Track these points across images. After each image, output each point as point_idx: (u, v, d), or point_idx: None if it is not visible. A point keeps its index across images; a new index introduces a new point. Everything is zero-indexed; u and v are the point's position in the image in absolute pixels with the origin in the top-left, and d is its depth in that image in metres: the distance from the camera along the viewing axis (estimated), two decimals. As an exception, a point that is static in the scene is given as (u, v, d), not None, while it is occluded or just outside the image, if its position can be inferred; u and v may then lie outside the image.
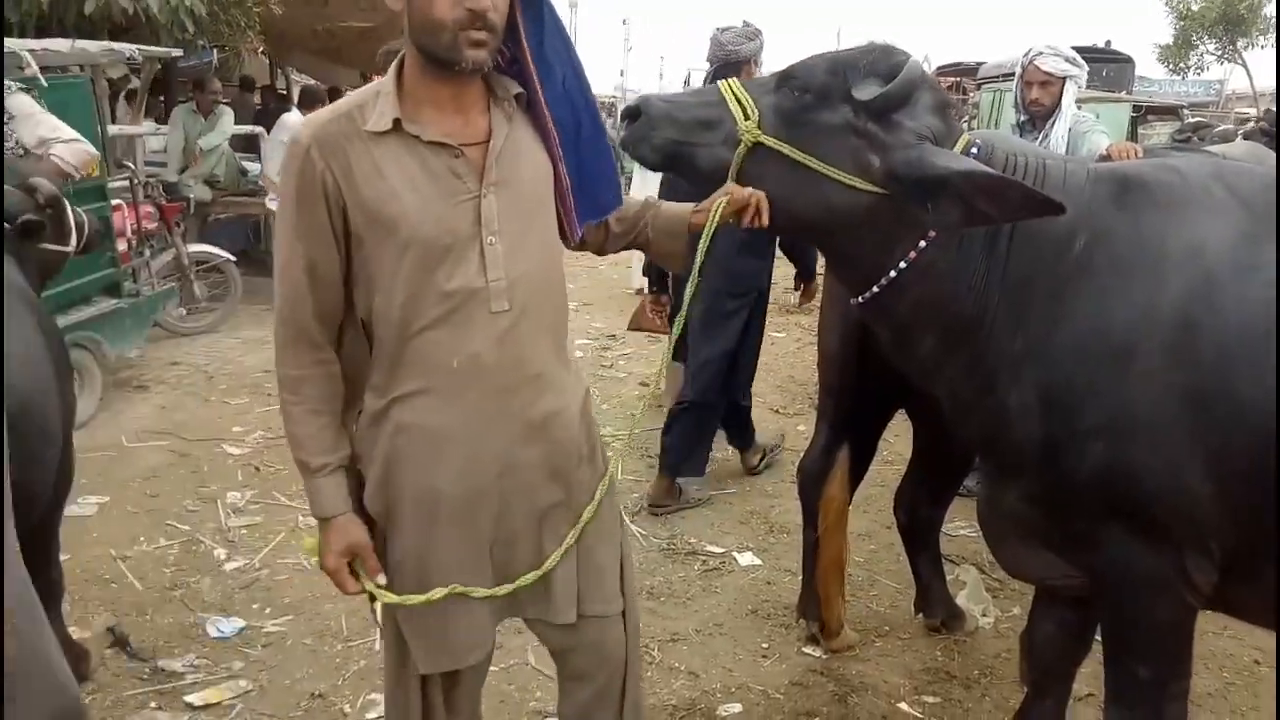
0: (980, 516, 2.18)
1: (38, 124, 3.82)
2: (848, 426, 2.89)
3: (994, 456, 2.03)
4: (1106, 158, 3.11)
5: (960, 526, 3.90)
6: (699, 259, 1.85)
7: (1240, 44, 22.57)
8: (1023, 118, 3.92)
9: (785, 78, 1.92)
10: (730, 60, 3.74)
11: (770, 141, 1.85)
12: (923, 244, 1.86)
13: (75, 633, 2.81)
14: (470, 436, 1.61)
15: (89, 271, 4.89)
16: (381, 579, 1.67)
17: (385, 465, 1.63)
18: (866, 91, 1.82)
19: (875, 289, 1.93)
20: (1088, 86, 10.45)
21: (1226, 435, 1.65)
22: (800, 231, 1.91)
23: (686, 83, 29.64)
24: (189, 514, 3.89)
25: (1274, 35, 21.56)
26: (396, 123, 1.51)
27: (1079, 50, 3.97)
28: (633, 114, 1.93)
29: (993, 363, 1.88)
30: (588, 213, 1.74)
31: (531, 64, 1.60)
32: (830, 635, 3.00)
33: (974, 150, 1.89)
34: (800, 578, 3.16)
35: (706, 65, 3.94)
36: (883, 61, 1.85)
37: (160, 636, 2.99)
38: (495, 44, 1.51)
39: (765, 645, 3.06)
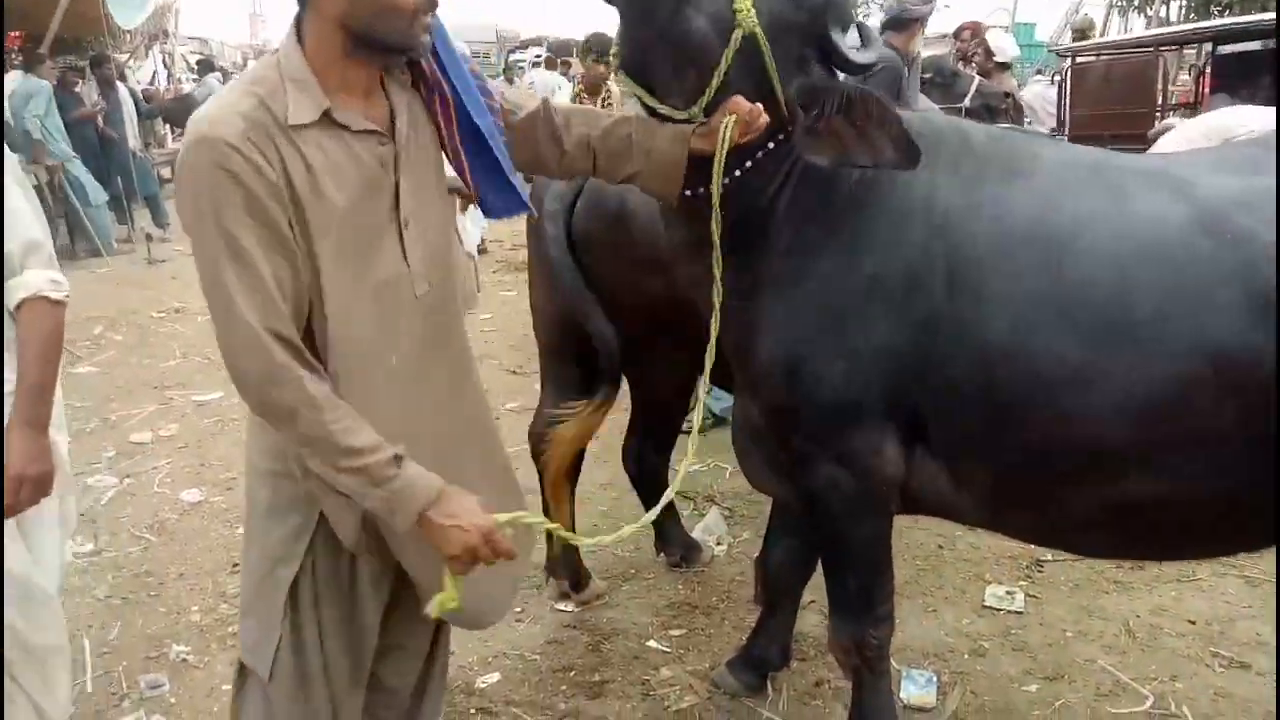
0: (733, 429, 2.28)
1: None
2: (569, 385, 2.92)
3: (744, 368, 2.08)
4: None
5: (691, 464, 4.13)
6: (716, 191, 1.76)
7: None
8: None
9: None
10: (904, 18, 3.88)
11: (762, 37, 1.71)
12: (771, 145, 1.85)
13: None
14: (409, 420, 1.59)
15: None
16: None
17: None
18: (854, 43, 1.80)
19: (696, 192, 1.85)
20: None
21: (948, 358, 1.81)
22: None
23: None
24: None
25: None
26: (325, 113, 1.43)
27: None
28: None
29: (761, 274, 1.93)
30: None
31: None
32: (579, 587, 3.09)
33: None
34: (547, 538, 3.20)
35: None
36: None
37: None
38: None
39: (519, 610, 3.08)
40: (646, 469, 3.24)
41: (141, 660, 2.83)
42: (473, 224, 4.82)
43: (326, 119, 1.43)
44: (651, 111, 1.82)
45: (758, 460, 2.22)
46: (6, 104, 7.75)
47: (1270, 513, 1.79)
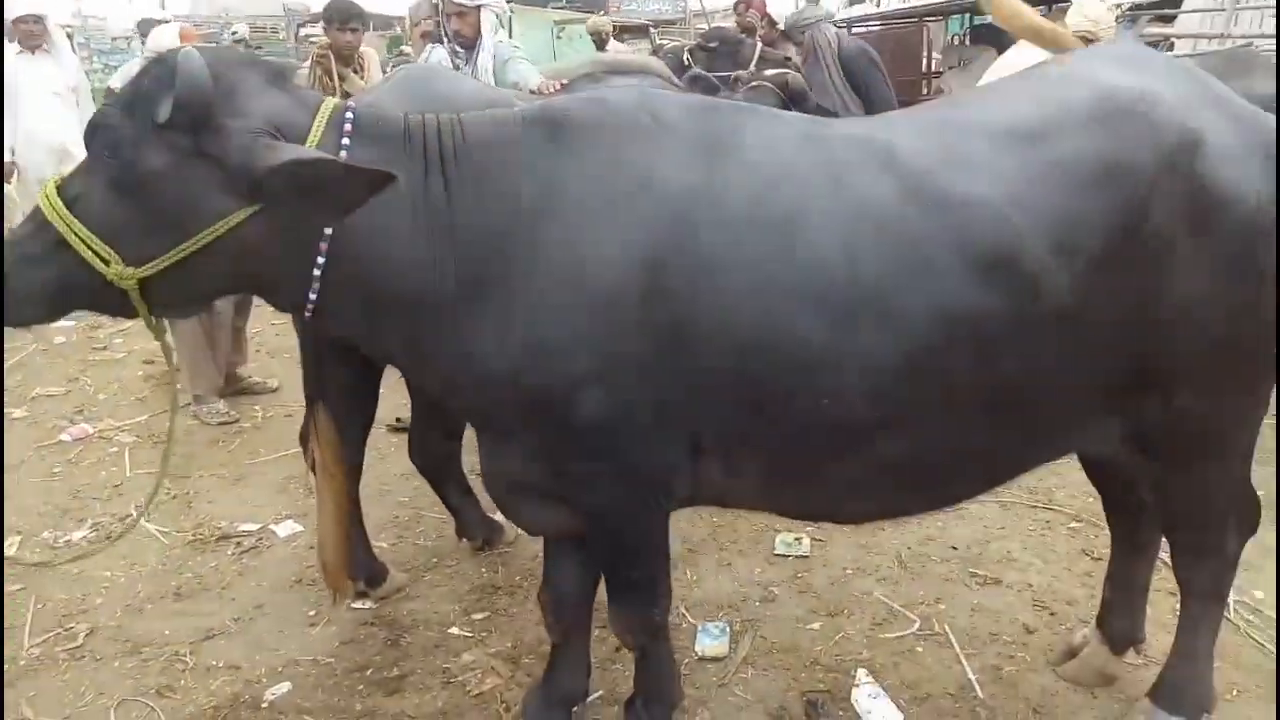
0: (485, 481, 2.14)
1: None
2: (323, 392, 2.78)
3: (489, 423, 1.98)
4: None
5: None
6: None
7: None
8: (455, 48, 4.11)
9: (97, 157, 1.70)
10: None
11: (152, 269, 1.68)
12: (329, 233, 1.71)
13: None
14: None
15: None
16: None
17: None
18: (163, 111, 1.63)
19: (310, 301, 1.77)
20: (566, 6, 11.11)
21: (704, 359, 1.74)
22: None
23: None
24: None
25: None
26: None
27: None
28: None
29: (467, 333, 1.78)
30: None
31: None
32: (375, 583, 3.00)
33: (348, 119, 1.74)
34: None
35: None
36: (164, 73, 1.65)
37: None
38: None
39: (312, 614, 2.96)
40: (435, 459, 3.19)
41: None
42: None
43: None
44: None
45: (523, 504, 2.08)
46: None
47: (1015, 451, 1.96)
